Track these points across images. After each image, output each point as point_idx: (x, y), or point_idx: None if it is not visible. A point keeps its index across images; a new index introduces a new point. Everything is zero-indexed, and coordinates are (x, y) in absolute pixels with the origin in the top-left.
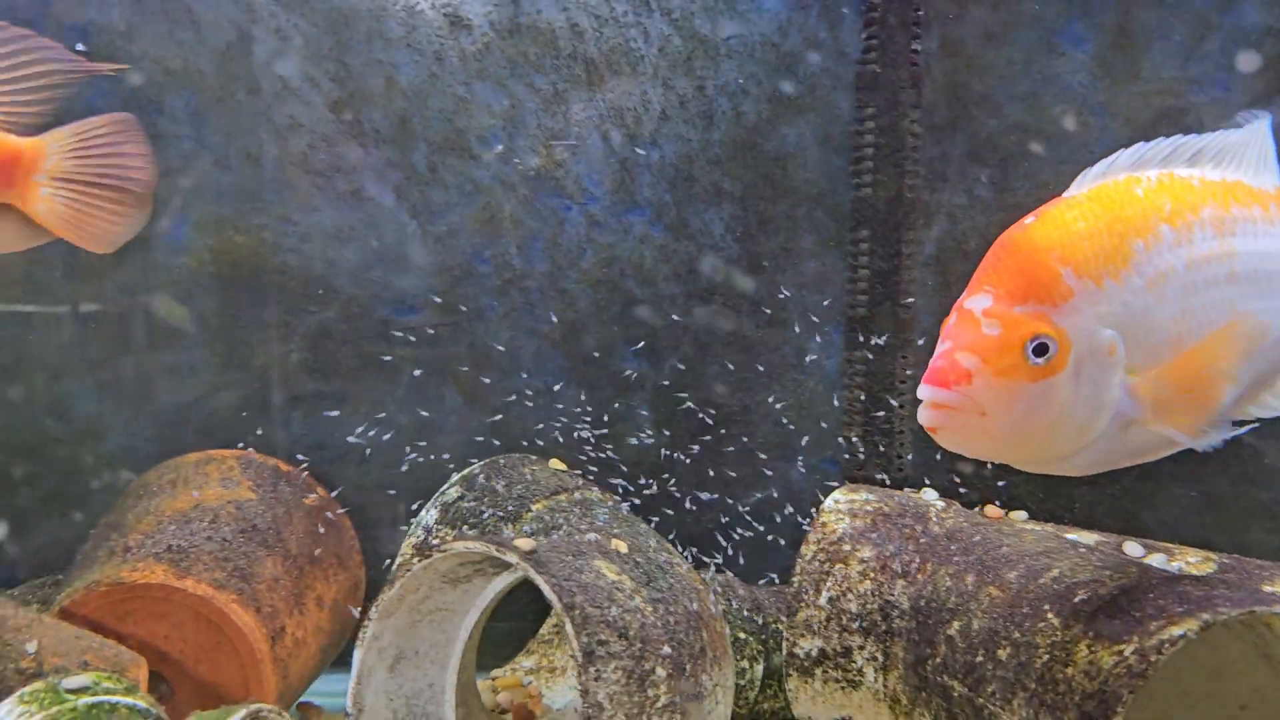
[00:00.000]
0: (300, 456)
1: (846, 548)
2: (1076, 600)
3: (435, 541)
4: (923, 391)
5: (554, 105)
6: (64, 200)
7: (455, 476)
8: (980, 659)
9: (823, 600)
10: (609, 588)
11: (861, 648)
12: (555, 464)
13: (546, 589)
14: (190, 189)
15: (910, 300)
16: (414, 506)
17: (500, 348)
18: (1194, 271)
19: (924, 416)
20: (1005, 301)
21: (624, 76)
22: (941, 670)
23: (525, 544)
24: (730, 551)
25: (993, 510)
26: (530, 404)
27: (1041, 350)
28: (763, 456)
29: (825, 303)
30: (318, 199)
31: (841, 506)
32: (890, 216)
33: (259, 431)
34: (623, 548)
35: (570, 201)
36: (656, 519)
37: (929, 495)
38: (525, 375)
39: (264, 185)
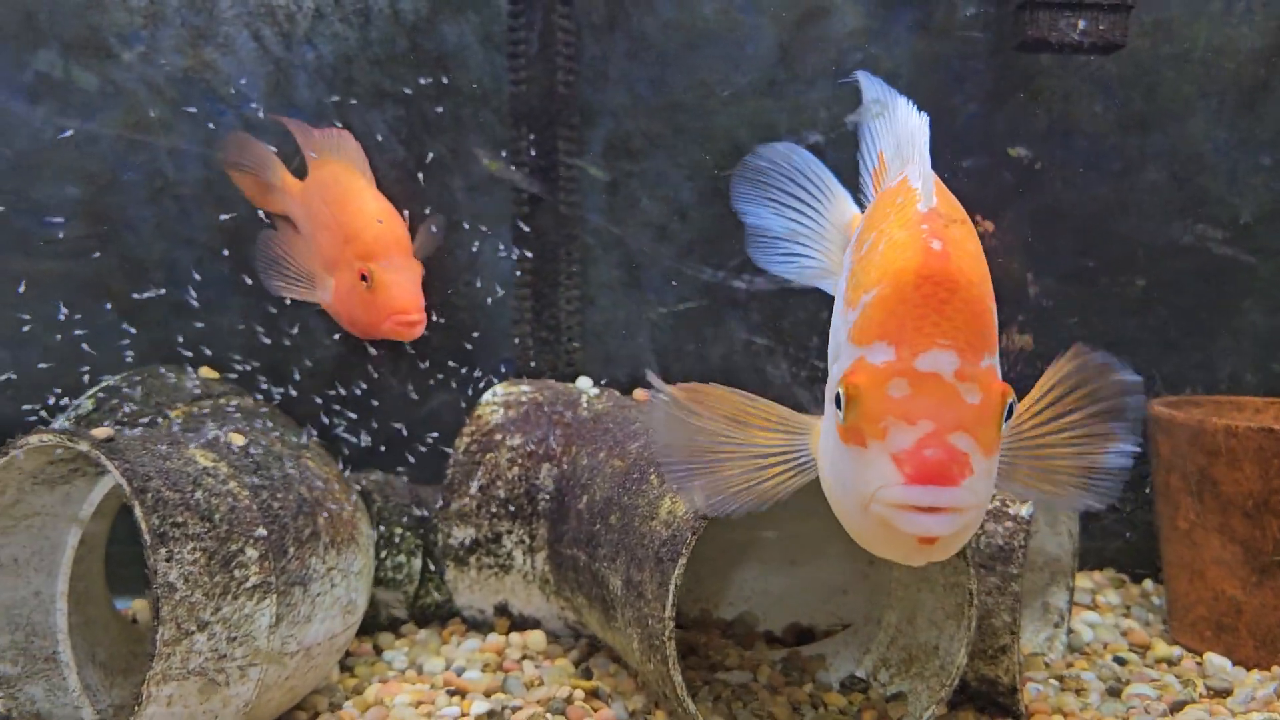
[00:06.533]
0: None
1: (498, 437)
2: None
3: None
4: (914, 495)
5: (200, 1)
6: None
7: (94, 389)
8: (598, 527)
9: (474, 489)
10: (197, 473)
11: (510, 532)
12: (206, 372)
13: (116, 474)
14: None
15: (576, 198)
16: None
17: (154, 259)
18: None
19: (922, 526)
20: (970, 357)
21: None
22: (571, 543)
23: (102, 432)
24: (414, 459)
25: (640, 393)
26: (192, 315)
27: (1009, 413)
28: (442, 361)
29: (494, 203)
30: None
31: (498, 399)
32: (545, 113)
33: None
34: (239, 440)
35: (224, 105)
36: (341, 425)
37: (584, 383)
38: (184, 286)
39: None
